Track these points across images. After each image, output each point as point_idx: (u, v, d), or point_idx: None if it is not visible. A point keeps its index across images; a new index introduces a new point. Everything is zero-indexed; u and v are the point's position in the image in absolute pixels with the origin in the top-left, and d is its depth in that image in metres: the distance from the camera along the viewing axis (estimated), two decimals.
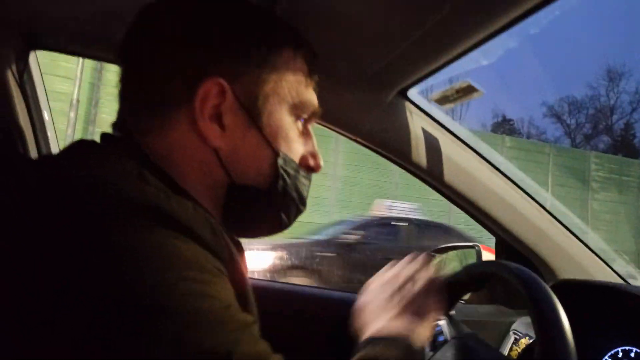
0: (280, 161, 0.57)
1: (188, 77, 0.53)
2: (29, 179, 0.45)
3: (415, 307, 0.62)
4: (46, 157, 0.55)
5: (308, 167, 0.62)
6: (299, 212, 0.62)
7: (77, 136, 6.83)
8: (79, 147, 0.52)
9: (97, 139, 0.54)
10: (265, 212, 0.60)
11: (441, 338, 0.80)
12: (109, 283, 0.36)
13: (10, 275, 0.37)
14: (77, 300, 0.35)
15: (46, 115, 0.95)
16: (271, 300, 1.03)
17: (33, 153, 0.93)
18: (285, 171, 0.58)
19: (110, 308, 0.35)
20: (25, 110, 0.90)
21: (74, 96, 7.64)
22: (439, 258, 1.41)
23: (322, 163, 0.63)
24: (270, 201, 0.58)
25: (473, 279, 0.70)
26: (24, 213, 0.40)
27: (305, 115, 0.61)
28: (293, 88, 0.58)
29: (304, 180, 0.61)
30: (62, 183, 0.42)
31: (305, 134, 0.62)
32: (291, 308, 1.10)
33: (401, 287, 0.65)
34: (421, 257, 0.69)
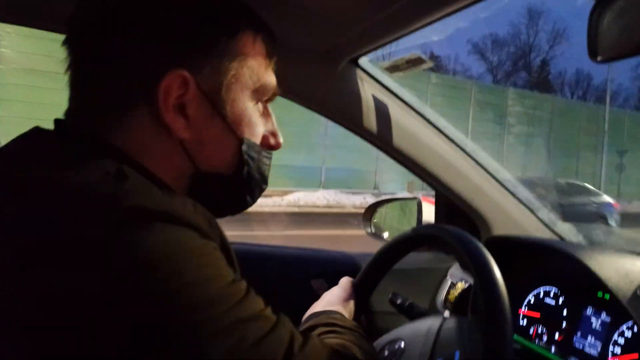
0: (244, 147, 0.57)
1: (148, 71, 0.50)
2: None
3: (334, 300, 0.76)
4: (5, 152, 0.51)
5: (269, 146, 0.62)
6: (261, 190, 0.63)
7: None
8: (40, 142, 0.49)
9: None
10: (230, 196, 0.60)
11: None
12: (141, 291, 0.38)
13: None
14: (116, 312, 0.38)
15: None
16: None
17: None
18: (250, 156, 0.58)
19: (148, 312, 0.39)
20: None
21: None
22: (383, 208, 1.50)
23: (282, 140, 0.64)
24: (235, 186, 0.59)
25: (387, 264, 0.83)
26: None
27: (265, 97, 0.61)
28: (254, 73, 0.57)
29: (265, 161, 0.62)
30: (36, 189, 0.42)
31: (265, 114, 0.62)
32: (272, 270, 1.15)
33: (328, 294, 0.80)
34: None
